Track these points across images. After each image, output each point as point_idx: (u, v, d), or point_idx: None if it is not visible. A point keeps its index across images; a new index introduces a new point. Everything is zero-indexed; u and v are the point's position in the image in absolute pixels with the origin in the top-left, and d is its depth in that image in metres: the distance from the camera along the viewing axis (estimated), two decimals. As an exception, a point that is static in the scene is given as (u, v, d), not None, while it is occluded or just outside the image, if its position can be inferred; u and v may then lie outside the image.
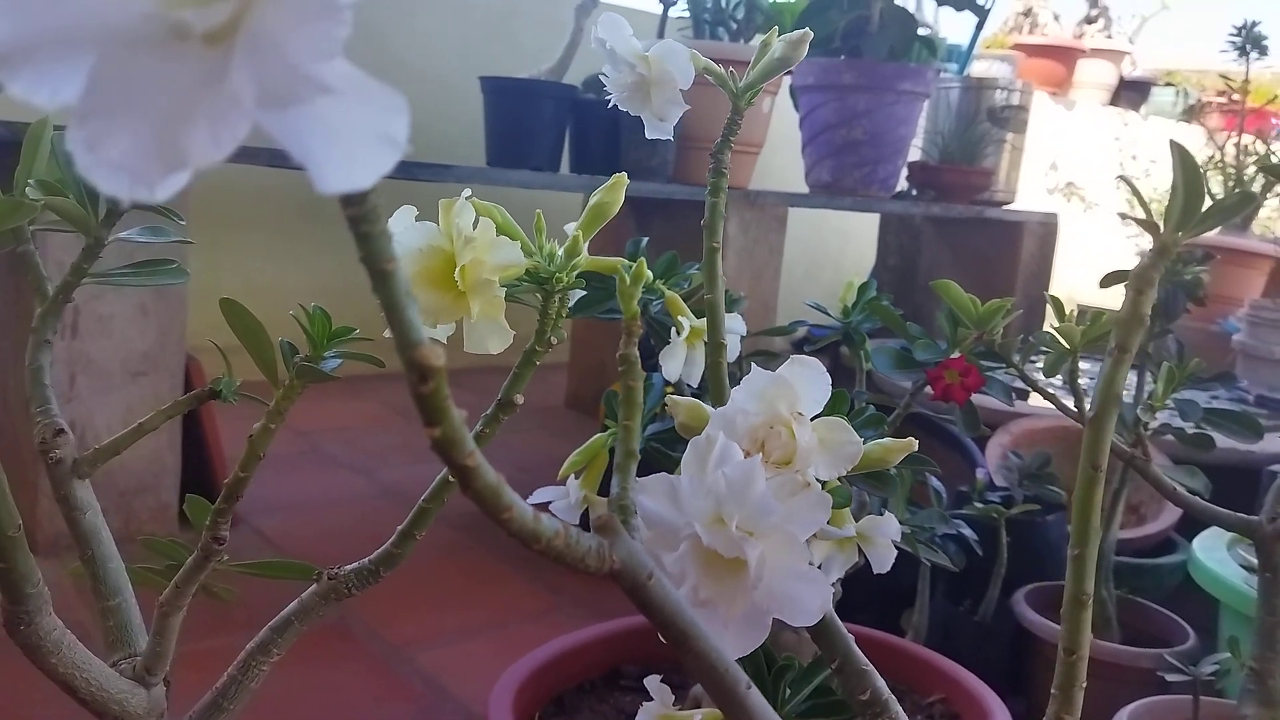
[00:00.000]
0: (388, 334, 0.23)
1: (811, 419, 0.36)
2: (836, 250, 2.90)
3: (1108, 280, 1.07)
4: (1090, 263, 3.24)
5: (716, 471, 0.33)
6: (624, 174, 0.45)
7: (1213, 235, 2.50)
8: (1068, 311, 0.79)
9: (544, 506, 0.75)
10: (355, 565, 0.50)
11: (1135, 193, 0.34)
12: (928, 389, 0.84)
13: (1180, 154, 0.25)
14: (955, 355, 0.79)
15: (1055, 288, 2.37)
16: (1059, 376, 0.77)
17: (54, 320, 0.50)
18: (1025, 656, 1.03)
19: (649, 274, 0.84)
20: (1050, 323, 0.76)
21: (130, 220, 0.49)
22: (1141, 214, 0.33)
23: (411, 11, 2.22)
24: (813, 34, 1.66)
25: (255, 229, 2.12)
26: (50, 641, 0.40)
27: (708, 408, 0.40)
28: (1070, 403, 0.73)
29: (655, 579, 0.28)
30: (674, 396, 0.41)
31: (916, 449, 0.77)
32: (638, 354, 0.32)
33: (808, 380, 0.36)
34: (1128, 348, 0.28)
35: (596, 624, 1.16)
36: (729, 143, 0.43)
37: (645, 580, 0.27)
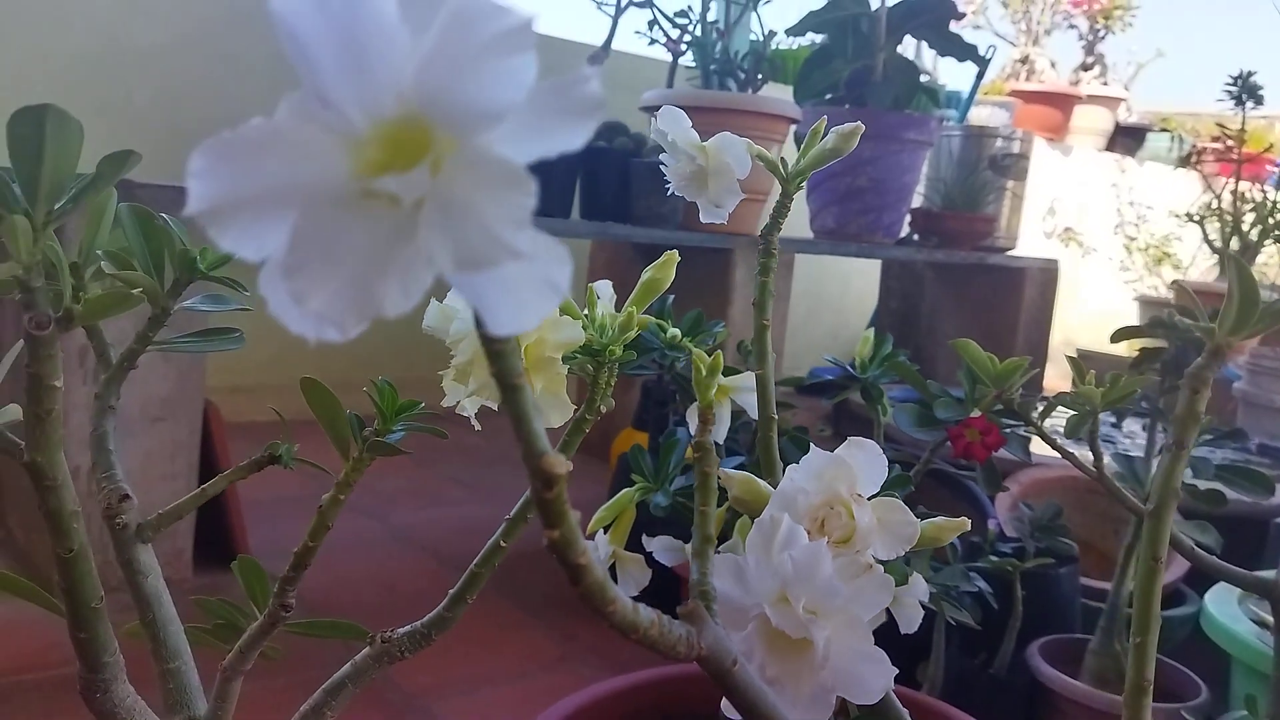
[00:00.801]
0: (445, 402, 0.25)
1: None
2: (838, 293, 2.93)
3: (1119, 336, 1.09)
4: (1087, 307, 3.28)
5: (783, 554, 0.35)
6: (675, 252, 0.46)
7: (1213, 283, 2.54)
8: (1081, 367, 0.81)
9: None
10: (407, 629, 0.52)
11: (1189, 295, 0.36)
12: (946, 443, 0.85)
13: (1236, 265, 0.27)
14: (975, 414, 0.81)
15: (1053, 332, 2.40)
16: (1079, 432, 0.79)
17: (117, 387, 0.52)
18: (1040, 710, 1.04)
19: (676, 330, 0.86)
20: (1052, 374, 0.78)
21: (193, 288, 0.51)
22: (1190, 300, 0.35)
23: None
24: (819, 83, 1.68)
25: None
26: (124, 709, 0.41)
27: (763, 483, 0.42)
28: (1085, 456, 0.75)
29: (739, 665, 0.29)
30: (727, 470, 0.43)
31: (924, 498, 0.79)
32: (714, 442, 0.34)
33: (866, 461, 0.38)
34: (1185, 444, 0.30)
35: (618, 674, 1.16)
36: (778, 225, 0.45)
37: (730, 666, 0.29)
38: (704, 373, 0.33)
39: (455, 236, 0.17)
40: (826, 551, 0.34)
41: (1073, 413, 0.81)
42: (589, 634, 1.27)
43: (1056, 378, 2.71)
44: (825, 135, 0.44)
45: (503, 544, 0.52)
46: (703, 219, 0.43)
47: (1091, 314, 3.24)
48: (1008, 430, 0.81)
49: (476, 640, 1.24)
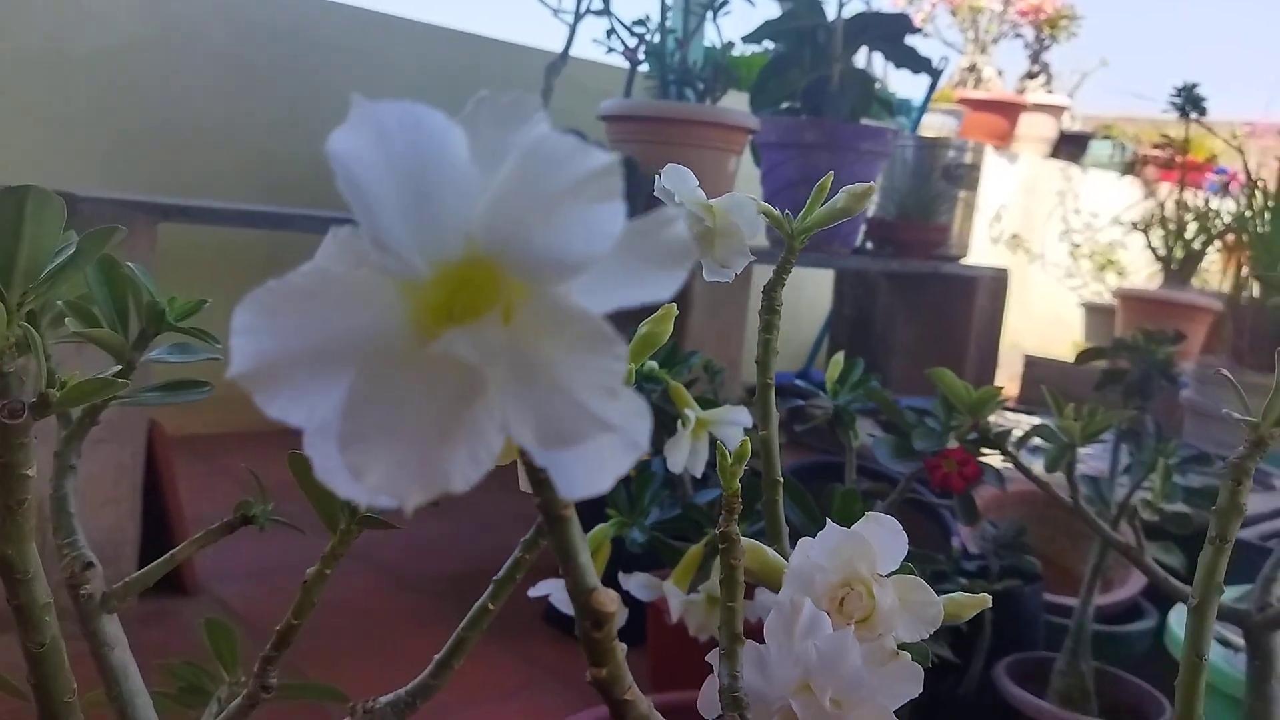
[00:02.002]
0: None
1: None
2: (792, 301, 2.93)
3: (1083, 358, 1.10)
4: (1033, 312, 3.34)
5: (806, 641, 0.34)
6: (673, 306, 0.45)
7: (1156, 290, 2.60)
8: (1060, 401, 0.81)
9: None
10: (390, 697, 0.49)
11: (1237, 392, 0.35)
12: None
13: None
14: (953, 445, 0.80)
15: (1002, 337, 2.43)
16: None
17: (78, 445, 0.49)
18: (1008, 727, 1.04)
19: (652, 363, 0.84)
20: (1000, 378, 0.78)
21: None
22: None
23: (374, 68, 2.21)
24: (775, 93, 1.67)
25: (220, 283, 2.08)
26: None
27: (771, 553, 0.41)
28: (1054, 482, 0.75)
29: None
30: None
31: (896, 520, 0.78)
32: (738, 531, 0.32)
33: (885, 538, 0.37)
34: (1228, 537, 0.29)
35: (582, 701, 1.15)
36: (782, 280, 0.44)
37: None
38: (729, 460, 0.32)
39: (536, 407, 0.15)
40: (854, 641, 0.33)
41: (1050, 445, 0.81)
42: (551, 658, 1.25)
43: (1004, 380, 2.75)
44: (831, 193, 0.43)
45: (490, 606, 0.50)
46: (706, 278, 0.42)
47: (1037, 319, 3.29)
48: (982, 459, 0.81)
49: (423, 646, 1.21)
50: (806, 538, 0.39)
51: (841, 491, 0.69)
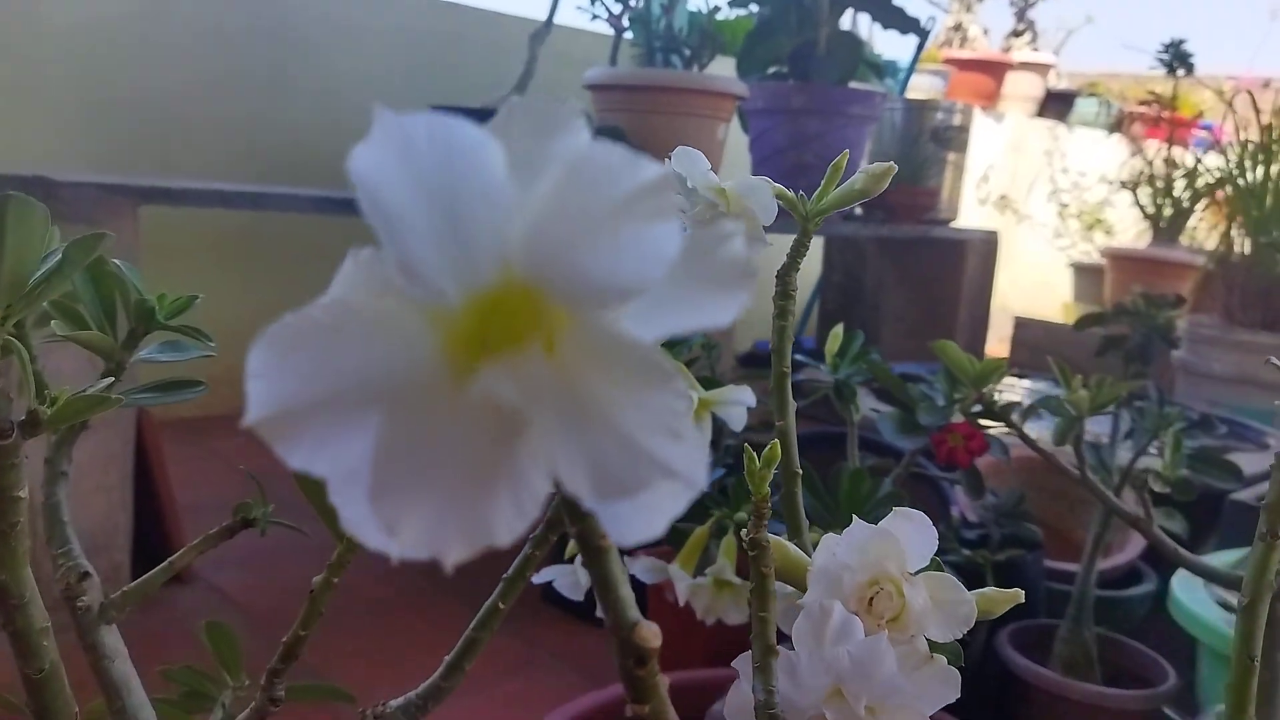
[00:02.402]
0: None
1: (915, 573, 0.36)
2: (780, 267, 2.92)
3: (1083, 324, 1.09)
4: (1021, 272, 3.33)
5: (838, 647, 0.33)
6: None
7: (1145, 249, 2.60)
8: (1068, 373, 0.80)
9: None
10: (401, 701, 0.48)
11: None
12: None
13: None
14: (958, 418, 0.79)
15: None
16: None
17: (69, 449, 0.47)
18: (1011, 699, 1.04)
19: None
20: (991, 341, 0.78)
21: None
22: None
23: (355, 37, 2.16)
24: (761, 58, 1.65)
25: (197, 259, 2.05)
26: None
27: (793, 548, 0.39)
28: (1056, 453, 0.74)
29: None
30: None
31: (891, 488, 0.77)
32: (769, 539, 0.31)
33: (914, 534, 0.36)
34: (1279, 533, 0.28)
35: (584, 680, 1.14)
36: (796, 265, 0.42)
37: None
38: (757, 464, 0.30)
39: (590, 453, 0.14)
40: (888, 646, 0.32)
41: (1055, 414, 0.80)
42: (551, 638, 1.25)
43: (994, 343, 2.75)
44: (849, 173, 0.41)
45: (501, 605, 0.49)
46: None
47: (1025, 280, 3.29)
48: (989, 434, 0.80)
49: (431, 646, 1.21)
50: (831, 535, 0.37)
51: (849, 472, 0.68)
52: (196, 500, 1.47)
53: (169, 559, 0.47)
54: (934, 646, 0.35)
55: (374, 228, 0.14)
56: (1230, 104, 2.08)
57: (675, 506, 0.15)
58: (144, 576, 0.46)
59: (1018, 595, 0.37)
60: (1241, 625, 0.29)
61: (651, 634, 0.20)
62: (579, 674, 1.18)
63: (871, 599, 0.35)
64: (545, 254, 0.14)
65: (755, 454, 0.32)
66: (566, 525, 0.20)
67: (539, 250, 0.14)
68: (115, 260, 0.45)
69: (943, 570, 0.36)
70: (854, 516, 0.70)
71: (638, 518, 0.15)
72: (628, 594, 0.20)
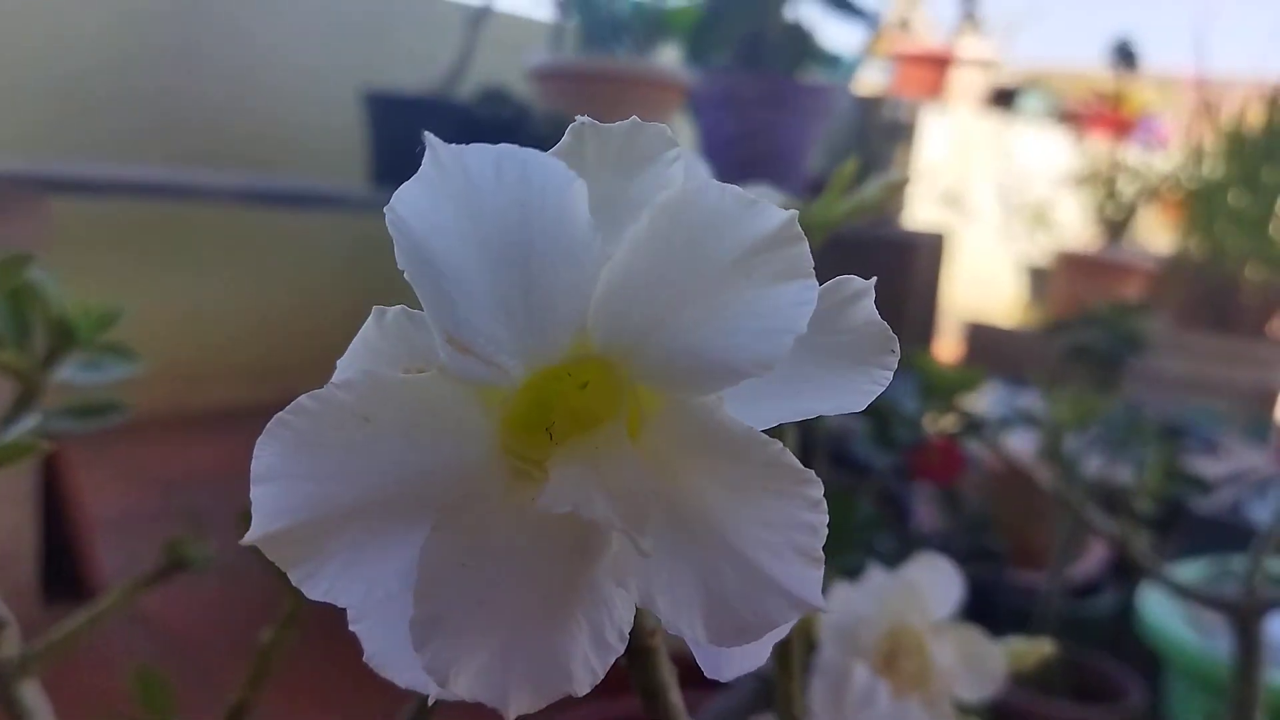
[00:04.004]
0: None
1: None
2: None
3: (1052, 331, 1.08)
4: (968, 271, 3.36)
5: (862, 714, 0.30)
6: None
7: (1094, 251, 2.63)
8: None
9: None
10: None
11: None
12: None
13: None
14: (934, 434, 0.78)
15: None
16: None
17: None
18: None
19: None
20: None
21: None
22: None
23: (277, 11, 2.06)
24: (710, 47, 1.61)
25: (120, 254, 1.95)
26: None
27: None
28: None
29: None
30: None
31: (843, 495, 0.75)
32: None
33: (936, 583, 0.33)
34: None
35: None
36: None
37: None
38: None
39: (700, 581, 0.11)
40: (919, 714, 0.29)
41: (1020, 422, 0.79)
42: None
43: (944, 346, 2.77)
44: (863, 185, 0.39)
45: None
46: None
47: (972, 278, 3.32)
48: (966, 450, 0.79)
49: (374, 679, 1.15)
50: (843, 585, 0.35)
51: (828, 497, 0.65)
52: (110, 512, 1.38)
53: (98, 608, 0.42)
54: (963, 709, 0.32)
55: (416, 287, 0.11)
56: (1176, 104, 2.11)
57: (783, 631, 0.12)
58: (65, 628, 0.41)
59: (1045, 648, 0.35)
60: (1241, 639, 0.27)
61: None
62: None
63: (892, 655, 0.32)
64: (637, 322, 0.11)
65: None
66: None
67: (629, 317, 0.11)
68: (34, 271, 0.40)
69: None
70: (840, 544, 0.67)
71: (737, 652, 0.12)
72: (677, 702, 0.17)
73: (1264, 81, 1.84)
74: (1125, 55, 2.26)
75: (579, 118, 0.12)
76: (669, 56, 1.87)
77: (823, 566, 0.11)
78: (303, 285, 2.00)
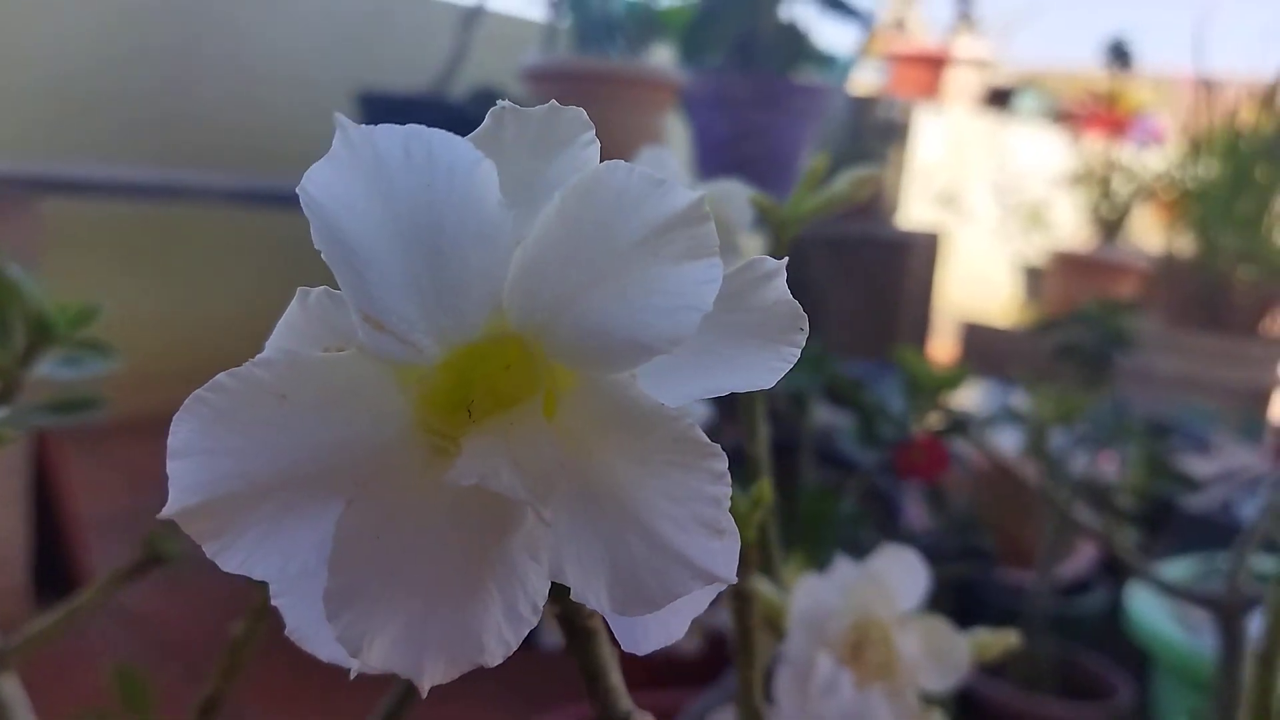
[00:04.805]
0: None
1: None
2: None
3: (1041, 330, 1.08)
4: (963, 271, 3.36)
5: (826, 702, 0.30)
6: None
7: (1089, 250, 2.63)
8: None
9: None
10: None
11: None
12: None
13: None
14: (918, 432, 0.78)
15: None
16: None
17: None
18: (966, 713, 1.04)
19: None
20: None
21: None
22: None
23: (271, 10, 2.06)
24: (703, 47, 1.62)
25: (103, 255, 1.95)
26: None
27: (768, 586, 0.37)
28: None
29: None
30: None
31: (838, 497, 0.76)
32: (757, 589, 0.29)
33: (902, 576, 0.33)
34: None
35: (527, 704, 1.11)
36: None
37: None
38: (743, 507, 0.28)
39: (607, 552, 0.11)
40: (882, 702, 0.29)
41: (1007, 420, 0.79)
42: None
43: (939, 345, 2.77)
44: (793, 170, 0.39)
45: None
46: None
47: (967, 278, 3.32)
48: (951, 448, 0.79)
49: (367, 684, 1.16)
50: (811, 576, 0.35)
51: (811, 491, 0.66)
52: (101, 512, 1.38)
53: (73, 603, 0.43)
54: (929, 700, 0.33)
55: (331, 267, 0.11)
56: (1171, 103, 2.12)
57: (699, 606, 0.12)
58: (43, 623, 0.41)
59: (1011, 639, 0.35)
60: (1257, 679, 0.27)
61: (649, 726, 0.17)
62: (516, 699, 1.14)
63: (858, 646, 0.33)
64: (548, 301, 0.11)
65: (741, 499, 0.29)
66: (551, 605, 0.17)
67: (538, 296, 0.11)
68: (13, 266, 0.40)
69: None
70: (819, 538, 0.68)
71: (652, 624, 0.12)
72: (618, 683, 0.17)
73: (1259, 81, 1.84)
74: (1120, 54, 2.27)
75: (501, 102, 0.12)
76: (662, 56, 1.88)
77: (728, 538, 0.11)
78: (297, 285, 2.00)
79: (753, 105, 1.87)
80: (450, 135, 0.11)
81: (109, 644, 1.11)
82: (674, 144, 2.00)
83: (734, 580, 0.11)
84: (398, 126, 0.11)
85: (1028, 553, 1.19)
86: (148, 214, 1.93)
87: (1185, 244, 1.82)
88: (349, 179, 0.11)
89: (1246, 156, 1.72)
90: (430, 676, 0.11)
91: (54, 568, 1.23)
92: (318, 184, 0.11)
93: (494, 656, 0.11)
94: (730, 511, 0.29)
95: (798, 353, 0.12)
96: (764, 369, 0.12)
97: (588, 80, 1.60)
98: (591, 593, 0.11)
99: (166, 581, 1.36)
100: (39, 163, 1.53)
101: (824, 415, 0.94)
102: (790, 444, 0.95)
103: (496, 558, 0.11)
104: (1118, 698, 0.97)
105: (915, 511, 1.26)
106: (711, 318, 0.12)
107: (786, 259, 0.11)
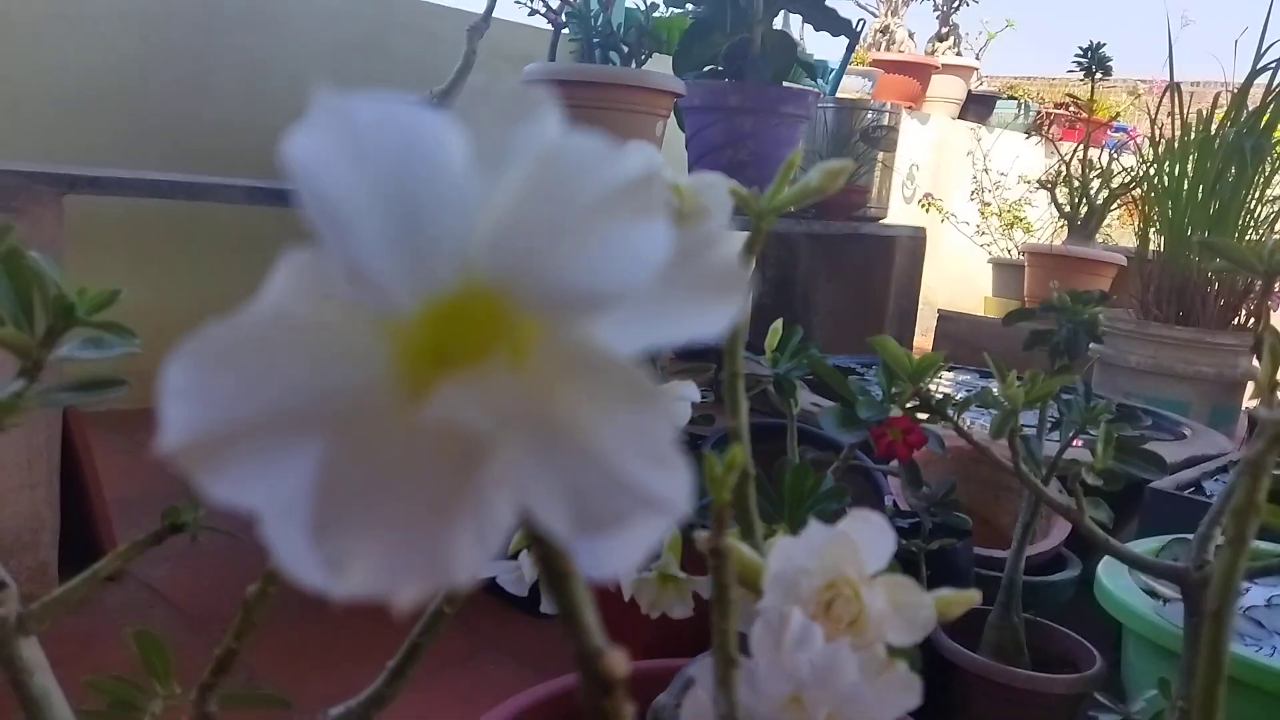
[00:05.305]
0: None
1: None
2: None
3: (1010, 319, 1.11)
4: (945, 268, 3.40)
5: (798, 654, 0.31)
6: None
7: (1062, 246, 2.67)
8: (1002, 368, 0.81)
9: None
10: (342, 709, 0.46)
11: None
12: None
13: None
14: (896, 413, 0.79)
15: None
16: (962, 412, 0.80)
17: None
18: (943, 684, 1.06)
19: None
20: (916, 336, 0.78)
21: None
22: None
23: (280, 23, 2.09)
24: (698, 56, 1.64)
25: (124, 250, 1.96)
26: None
27: (746, 550, 0.38)
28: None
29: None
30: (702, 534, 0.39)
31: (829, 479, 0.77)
32: (730, 546, 0.30)
33: (871, 536, 0.35)
34: (1246, 539, 0.28)
35: (530, 671, 1.12)
36: (748, 263, 0.41)
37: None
38: (718, 469, 0.29)
39: (566, 483, 0.12)
40: (849, 653, 0.31)
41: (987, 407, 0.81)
42: (495, 631, 1.22)
43: (919, 335, 2.80)
44: (804, 173, 0.40)
45: (446, 609, 0.47)
46: (669, 261, 0.38)
47: (948, 275, 3.35)
48: (926, 428, 0.81)
49: (373, 643, 1.17)
50: (786, 538, 0.36)
51: (793, 467, 0.67)
52: (127, 496, 1.40)
53: (92, 567, 0.44)
54: (895, 653, 0.34)
55: (314, 226, 0.12)
56: (1146, 107, 2.14)
57: (653, 536, 0.14)
58: (64, 586, 0.43)
59: (974, 597, 0.36)
60: (1210, 634, 0.29)
61: (619, 663, 0.19)
62: (524, 667, 1.15)
63: (829, 603, 0.34)
64: (513, 257, 0.13)
65: (716, 459, 0.30)
66: (532, 548, 0.19)
67: (506, 253, 0.13)
68: (33, 252, 0.41)
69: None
70: (801, 513, 0.69)
71: (612, 549, 0.13)
72: (593, 621, 0.19)
73: (1228, 86, 1.87)
74: (1096, 60, 2.29)
75: (475, 78, 0.14)
76: (659, 66, 1.89)
77: (672, 469, 0.12)
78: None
79: (744, 112, 1.89)
80: (419, 104, 0.12)
81: (134, 623, 1.13)
82: (670, 148, 2.01)
83: (679, 508, 0.12)
84: (371, 95, 0.12)
85: (1004, 532, 1.21)
86: (168, 212, 1.93)
87: (1157, 241, 1.85)
88: (327, 143, 0.12)
89: (1216, 157, 1.75)
90: (405, 595, 0.12)
91: (81, 549, 1.25)
92: (299, 147, 0.12)
93: (463, 578, 0.13)
94: (708, 476, 0.31)
95: (738, 306, 0.13)
96: (709, 321, 0.13)
97: (589, 87, 1.62)
98: (551, 519, 0.12)
99: (193, 564, 1.37)
100: (61, 163, 1.54)
101: (808, 399, 0.96)
102: (780, 428, 0.97)
103: (467, 490, 0.13)
104: (1090, 670, 0.99)
105: (899, 492, 1.28)
106: (663, 275, 0.13)
107: (746, 233, 0.13)
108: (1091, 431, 0.94)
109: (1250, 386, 0.29)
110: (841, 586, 0.34)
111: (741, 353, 0.42)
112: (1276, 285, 0.55)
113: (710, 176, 0.38)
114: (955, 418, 0.82)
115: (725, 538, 0.30)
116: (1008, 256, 3.09)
